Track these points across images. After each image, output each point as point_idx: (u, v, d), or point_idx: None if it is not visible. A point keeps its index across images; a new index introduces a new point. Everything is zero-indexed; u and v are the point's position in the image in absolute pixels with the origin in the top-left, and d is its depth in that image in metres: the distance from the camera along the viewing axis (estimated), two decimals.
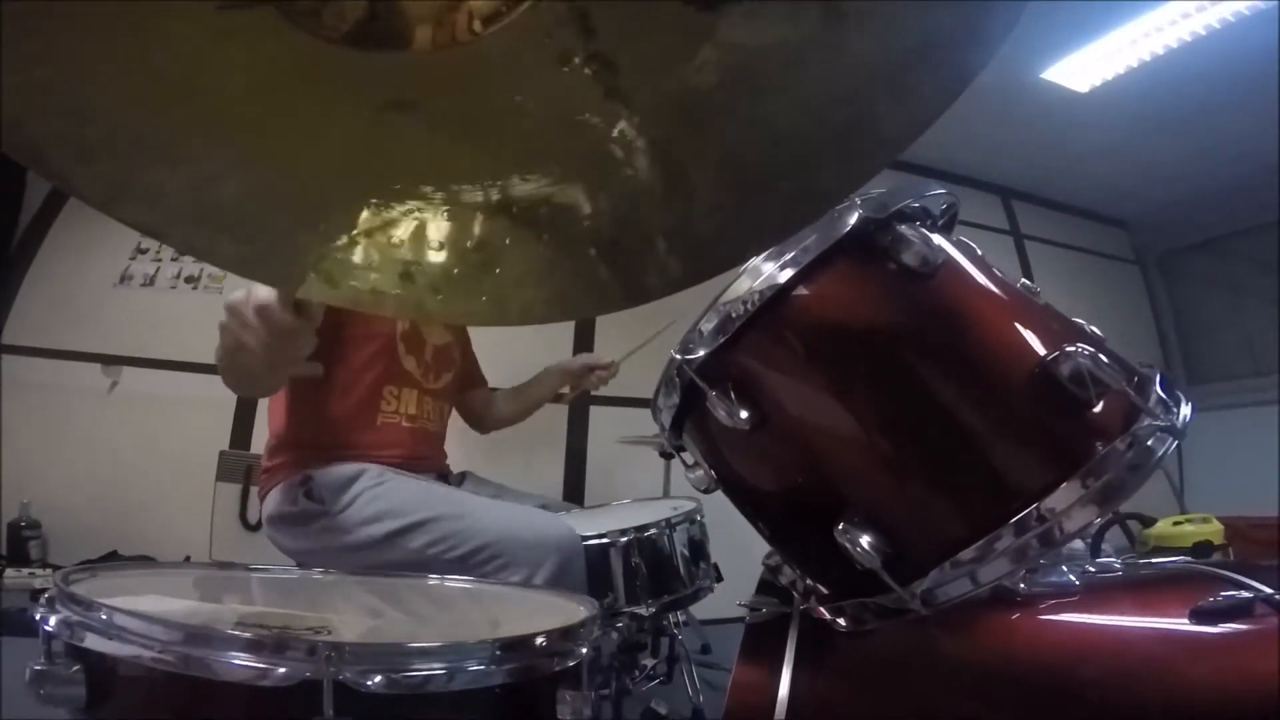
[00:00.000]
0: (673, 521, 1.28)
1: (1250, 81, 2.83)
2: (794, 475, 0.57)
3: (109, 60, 0.35)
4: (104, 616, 0.47)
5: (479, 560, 1.05)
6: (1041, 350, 0.51)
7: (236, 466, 2.52)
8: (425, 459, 1.32)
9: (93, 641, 0.47)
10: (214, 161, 0.42)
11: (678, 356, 0.56)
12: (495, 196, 0.46)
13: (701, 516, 1.37)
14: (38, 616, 0.49)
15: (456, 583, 0.88)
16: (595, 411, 2.96)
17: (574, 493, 2.86)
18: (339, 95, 0.42)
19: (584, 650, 0.55)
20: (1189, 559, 0.64)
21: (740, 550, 1.59)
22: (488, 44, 0.41)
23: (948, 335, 0.54)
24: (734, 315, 0.54)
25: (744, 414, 0.54)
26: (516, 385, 1.70)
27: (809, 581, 0.63)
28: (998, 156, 3.69)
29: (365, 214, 0.45)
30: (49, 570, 2.54)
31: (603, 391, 3.01)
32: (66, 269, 2.92)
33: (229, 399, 2.57)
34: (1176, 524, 2.18)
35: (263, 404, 1.66)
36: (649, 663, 1.90)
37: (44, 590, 0.53)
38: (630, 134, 0.42)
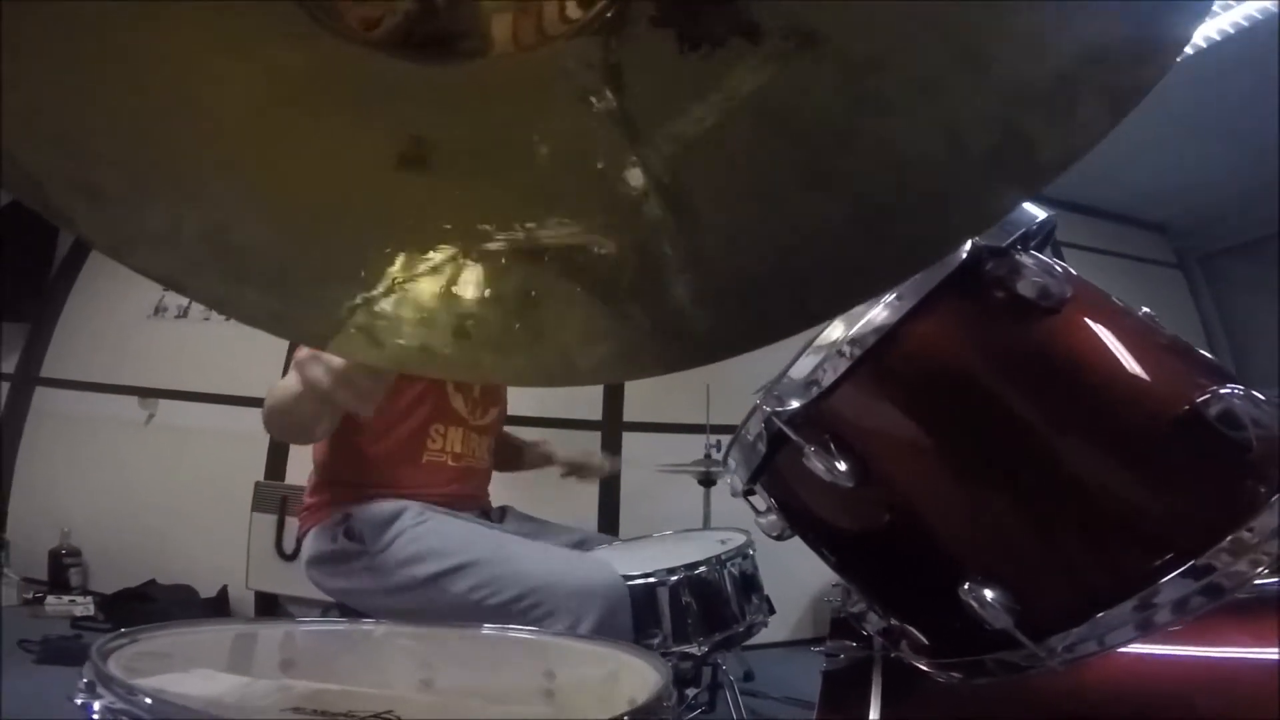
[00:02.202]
0: (724, 558, 1.23)
1: None
2: (900, 532, 0.52)
3: (102, 81, 0.30)
4: (148, 701, 0.44)
5: (522, 607, 1.01)
6: (1189, 391, 0.45)
7: (271, 497, 2.54)
8: (470, 496, 1.28)
9: None
10: (230, 198, 0.37)
11: (765, 408, 0.51)
12: (535, 242, 0.41)
13: (753, 550, 1.31)
14: (79, 702, 0.46)
15: (511, 633, 0.84)
16: (629, 438, 2.92)
17: (608, 521, 2.80)
18: (371, 117, 0.36)
19: None
20: None
21: (789, 575, 1.53)
22: (514, 77, 0.34)
23: (1082, 378, 0.48)
24: (832, 362, 0.49)
25: (845, 468, 0.49)
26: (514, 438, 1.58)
27: (895, 622, 0.58)
28: None
29: (404, 258, 0.40)
30: (89, 597, 2.58)
31: (636, 417, 2.98)
32: (101, 301, 2.98)
33: (263, 431, 2.55)
34: None
35: None
36: (691, 692, 1.84)
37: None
38: (652, 172, 0.36)
